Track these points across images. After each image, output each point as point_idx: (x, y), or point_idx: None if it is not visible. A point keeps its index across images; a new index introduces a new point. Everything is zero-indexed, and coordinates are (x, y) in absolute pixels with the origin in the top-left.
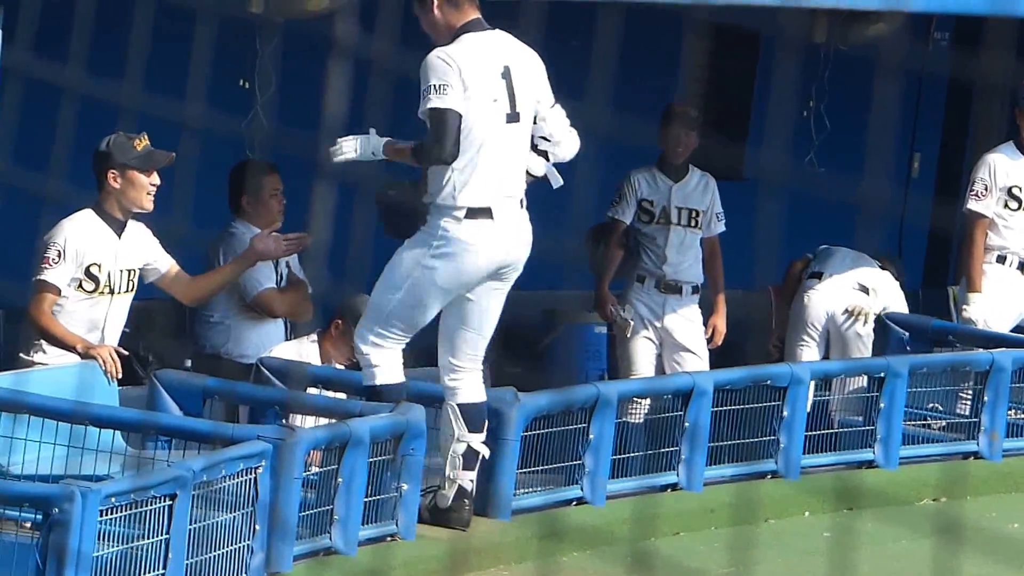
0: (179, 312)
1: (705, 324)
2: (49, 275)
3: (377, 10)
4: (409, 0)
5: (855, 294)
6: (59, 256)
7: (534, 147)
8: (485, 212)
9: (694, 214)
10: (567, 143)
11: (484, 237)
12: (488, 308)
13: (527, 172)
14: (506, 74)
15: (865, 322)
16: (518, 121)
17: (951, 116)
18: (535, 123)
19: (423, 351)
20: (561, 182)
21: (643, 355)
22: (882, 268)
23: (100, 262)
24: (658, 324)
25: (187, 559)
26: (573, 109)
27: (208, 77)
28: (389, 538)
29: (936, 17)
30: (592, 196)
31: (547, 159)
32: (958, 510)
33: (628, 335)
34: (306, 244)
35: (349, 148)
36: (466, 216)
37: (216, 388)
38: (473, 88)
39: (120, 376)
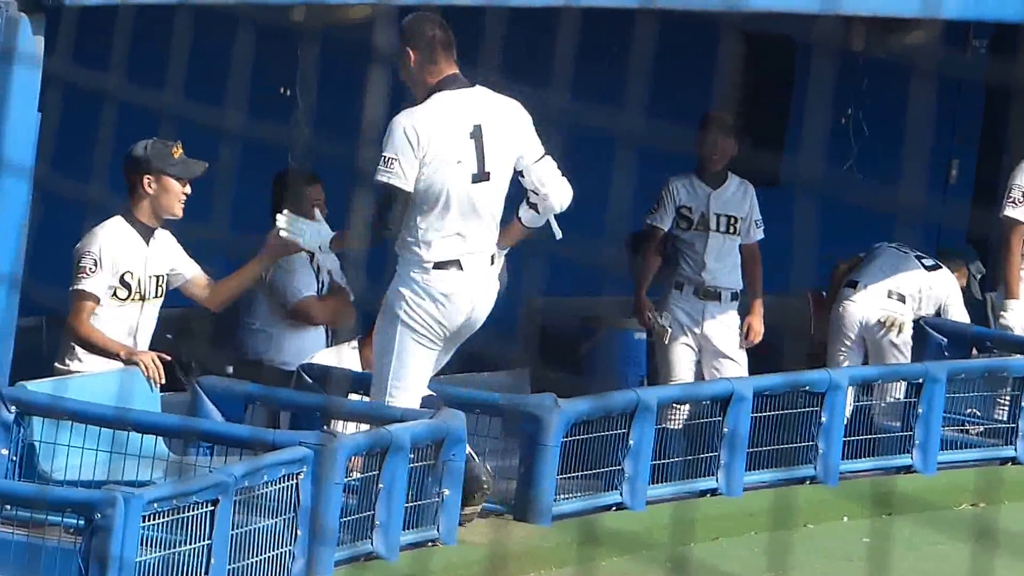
0: (221, 319)
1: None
2: (87, 284)
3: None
4: (448, 10)
5: (889, 303)
6: (95, 265)
7: (526, 199)
8: (454, 263)
9: (732, 220)
10: (556, 194)
11: (455, 286)
12: (440, 361)
13: (522, 224)
14: (476, 134)
15: (899, 332)
16: (487, 179)
17: (989, 122)
18: (522, 176)
19: (461, 355)
20: (560, 235)
21: (682, 361)
22: (932, 268)
23: (132, 269)
24: (697, 331)
25: (229, 564)
26: (611, 116)
27: (249, 84)
28: (430, 543)
29: (973, 24)
30: (631, 203)
31: (537, 211)
32: (995, 515)
33: (666, 341)
34: None
35: (297, 231)
36: (435, 267)
37: (258, 394)
38: (434, 152)
39: (163, 382)
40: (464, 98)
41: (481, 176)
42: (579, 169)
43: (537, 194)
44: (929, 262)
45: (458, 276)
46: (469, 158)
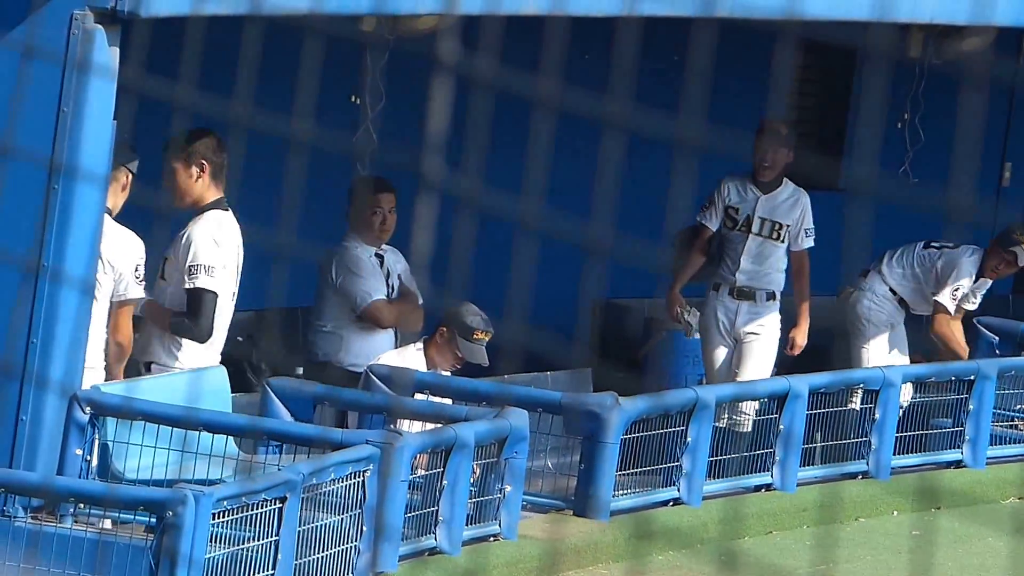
0: (292, 321)
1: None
2: None
3: (479, 28)
4: (511, 20)
5: (855, 280)
6: None
7: None
8: None
9: (777, 226)
10: None
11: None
12: None
13: None
14: (238, 254)
15: (852, 301)
16: (234, 299)
17: None
18: None
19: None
20: None
21: (721, 363)
22: (936, 248)
23: None
24: (733, 330)
25: (296, 560)
26: (671, 122)
27: (318, 93)
28: (492, 538)
29: None
30: (688, 207)
31: None
32: None
33: (688, 337)
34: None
35: None
36: None
37: (325, 394)
38: (228, 267)
39: None
40: (232, 220)
41: (235, 295)
42: (639, 173)
43: None
44: (937, 244)
45: None
46: (237, 277)
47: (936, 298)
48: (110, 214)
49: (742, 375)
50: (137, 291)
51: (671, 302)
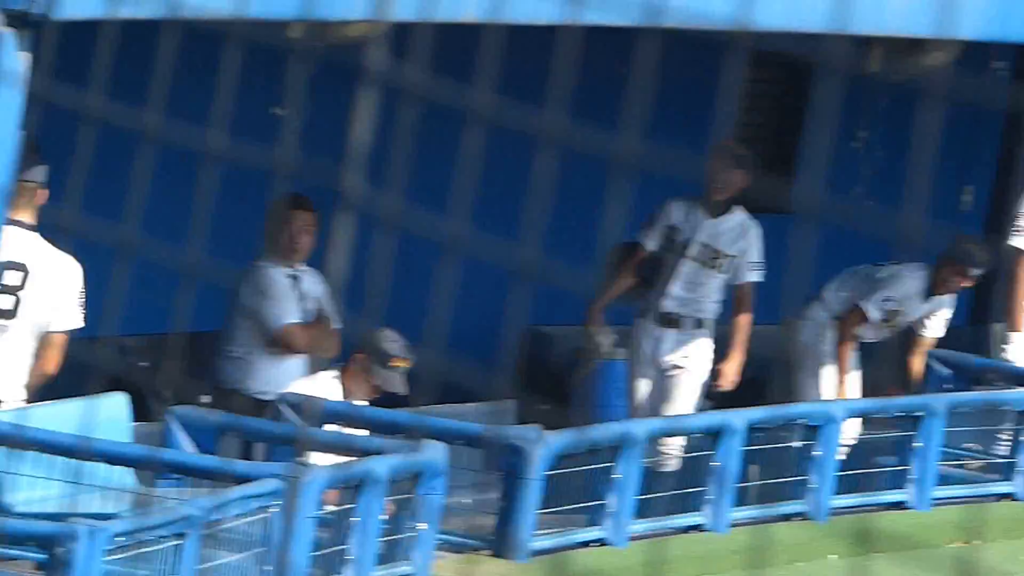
0: (200, 346)
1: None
2: None
3: (408, 38)
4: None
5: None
6: None
7: None
8: None
9: (716, 254)
10: None
11: None
12: None
13: None
14: None
15: (794, 330)
16: None
17: (1007, 148)
18: None
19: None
20: None
21: (641, 395)
22: (886, 266)
23: None
24: (656, 360)
25: None
26: (612, 139)
27: (237, 103)
28: None
29: (995, 46)
30: (623, 230)
31: None
32: (986, 554)
33: (595, 359)
34: None
35: None
36: None
37: (229, 424)
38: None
39: None
40: None
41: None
42: (573, 193)
43: None
44: (884, 263)
45: None
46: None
47: (860, 300)
48: (38, 231)
49: (665, 410)
50: (78, 319)
51: (589, 320)
